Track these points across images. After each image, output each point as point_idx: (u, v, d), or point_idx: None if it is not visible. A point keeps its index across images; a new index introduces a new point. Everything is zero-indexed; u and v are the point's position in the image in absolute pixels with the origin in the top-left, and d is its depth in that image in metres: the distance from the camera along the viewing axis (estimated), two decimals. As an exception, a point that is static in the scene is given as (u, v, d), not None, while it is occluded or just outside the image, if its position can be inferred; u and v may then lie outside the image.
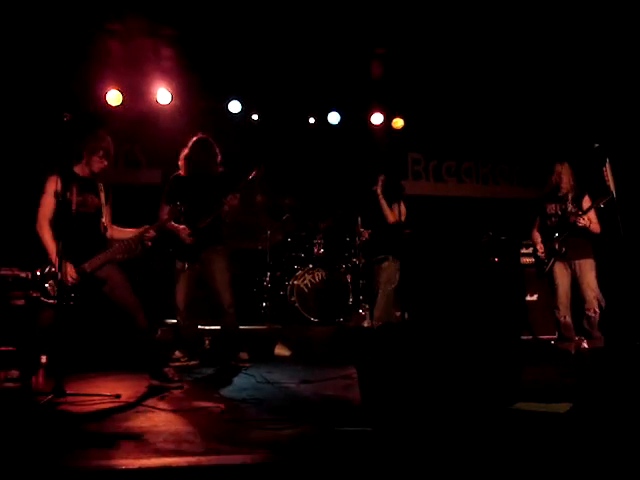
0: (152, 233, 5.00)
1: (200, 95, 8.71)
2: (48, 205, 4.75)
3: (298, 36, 7.64)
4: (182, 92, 8.46)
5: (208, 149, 6.21)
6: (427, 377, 4.05)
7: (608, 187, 5.90)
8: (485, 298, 7.82)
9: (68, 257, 4.57)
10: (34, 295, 5.87)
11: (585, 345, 6.67)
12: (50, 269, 4.70)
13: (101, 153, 4.94)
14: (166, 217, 5.27)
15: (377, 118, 9.34)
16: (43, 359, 5.40)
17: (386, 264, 6.93)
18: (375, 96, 9.14)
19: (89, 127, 5.16)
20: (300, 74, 8.35)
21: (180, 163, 6.21)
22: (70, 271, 4.60)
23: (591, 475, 2.92)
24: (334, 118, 9.25)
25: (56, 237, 4.63)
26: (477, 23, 7.32)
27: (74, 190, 4.75)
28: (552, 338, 7.36)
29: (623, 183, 6.01)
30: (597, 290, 6.34)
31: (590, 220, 6.31)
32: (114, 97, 8.13)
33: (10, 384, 4.54)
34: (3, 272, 6.24)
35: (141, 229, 5.00)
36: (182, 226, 5.85)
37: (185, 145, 6.23)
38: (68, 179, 4.72)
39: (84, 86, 7.92)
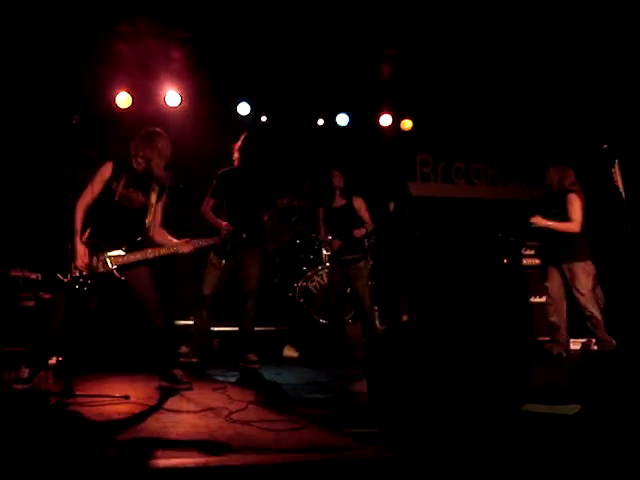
0: (188, 250, 4.93)
1: (209, 97, 8.72)
2: (90, 192, 4.67)
3: (307, 38, 7.65)
4: (191, 94, 8.48)
5: (260, 142, 6.31)
6: (435, 379, 4.05)
7: (617, 188, 5.88)
8: (494, 300, 7.79)
9: (97, 246, 4.60)
10: (45, 296, 5.95)
11: (594, 347, 6.64)
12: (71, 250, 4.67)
13: (159, 159, 4.92)
14: (214, 239, 5.21)
15: (386, 120, 9.33)
16: (53, 360, 5.42)
17: (362, 264, 6.84)
18: (384, 98, 9.13)
19: (152, 123, 5.10)
20: (309, 76, 8.35)
21: (235, 155, 6.24)
22: (82, 255, 4.55)
23: (599, 477, 2.91)
24: (343, 120, 9.24)
25: (88, 222, 4.65)
26: (485, 25, 7.31)
27: (122, 182, 4.74)
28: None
29: (633, 184, 5.98)
30: (591, 294, 6.22)
31: (548, 222, 6.25)
32: (123, 100, 8.15)
33: (20, 385, 4.55)
34: (13, 273, 6.27)
35: (178, 244, 4.93)
36: (224, 223, 5.81)
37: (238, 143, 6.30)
38: (120, 170, 4.75)
39: (93, 89, 7.94)
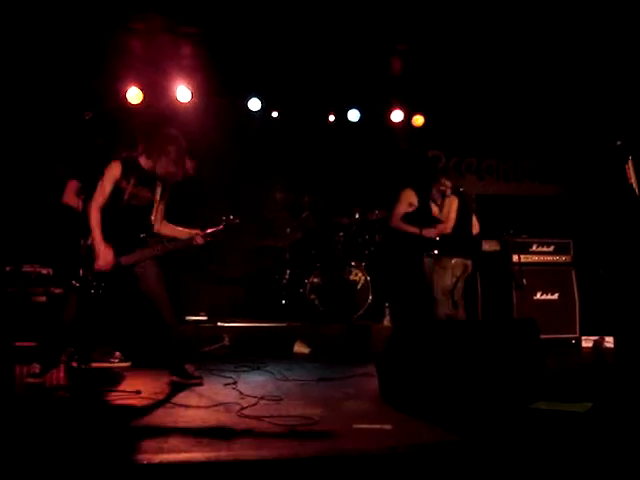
0: (201, 241, 4.94)
1: (220, 93, 8.72)
2: (102, 193, 4.68)
3: (318, 33, 7.63)
4: (202, 90, 8.48)
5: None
6: (447, 376, 4.04)
7: (631, 184, 5.83)
8: (504, 298, 7.76)
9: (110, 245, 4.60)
10: (56, 291, 5.97)
11: (606, 344, 6.61)
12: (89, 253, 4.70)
13: (179, 160, 4.91)
14: (221, 227, 5.06)
15: (397, 115, 9.29)
16: (64, 355, 5.44)
17: None
18: (395, 93, 9.10)
19: (165, 120, 5.08)
20: (320, 71, 8.33)
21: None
22: (108, 257, 4.59)
23: (610, 475, 2.90)
24: (354, 115, 9.22)
25: (103, 223, 4.63)
26: (497, 20, 7.26)
27: (132, 181, 4.76)
28: (572, 337, 7.32)
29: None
30: None
31: None
32: (134, 95, 8.16)
33: (32, 379, 4.58)
34: (25, 269, 6.30)
35: (190, 234, 4.96)
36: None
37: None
38: (129, 169, 4.75)
39: (105, 84, 7.96)
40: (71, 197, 5.75)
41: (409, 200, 6.31)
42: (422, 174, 6.53)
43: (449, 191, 6.17)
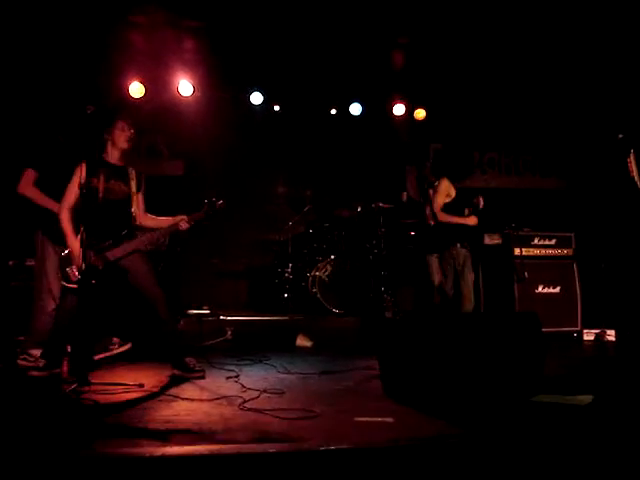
0: (186, 226, 4.93)
1: (222, 87, 8.72)
2: (72, 192, 4.74)
3: (320, 27, 7.61)
4: (204, 84, 8.48)
5: None
6: (449, 369, 4.05)
7: (632, 178, 5.83)
8: (506, 292, 7.76)
9: (90, 244, 4.59)
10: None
11: (608, 337, 6.62)
12: (67, 254, 4.74)
13: (121, 125, 4.97)
14: (204, 211, 5.03)
15: (399, 109, 9.29)
16: (68, 348, 5.46)
17: None
18: (397, 87, 9.09)
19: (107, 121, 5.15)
20: (321, 65, 8.32)
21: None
22: (79, 257, 4.54)
23: (611, 468, 2.91)
24: (356, 109, 9.22)
25: (78, 223, 4.61)
26: (499, 13, 7.25)
27: (102, 177, 4.79)
28: (574, 330, 7.32)
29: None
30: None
31: None
32: (136, 89, 8.17)
33: (36, 373, 4.60)
34: (28, 263, 6.31)
35: (174, 220, 4.96)
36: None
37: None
38: (96, 167, 4.77)
39: (107, 78, 7.96)
40: (27, 187, 5.47)
41: (447, 191, 6.50)
42: (459, 167, 6.69)
43: (481, 204, 6.57)
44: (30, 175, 5.42)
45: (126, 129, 4.98)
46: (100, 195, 4.76)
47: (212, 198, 5.01)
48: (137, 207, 5.03)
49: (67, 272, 4.73)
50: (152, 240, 4.95)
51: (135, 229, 5.00)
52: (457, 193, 6.49)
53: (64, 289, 4.79)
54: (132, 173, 5.04)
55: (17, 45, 7.25)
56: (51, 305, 5.32)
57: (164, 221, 5.04)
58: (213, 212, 4.98)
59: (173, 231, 4.99)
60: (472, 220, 6.49)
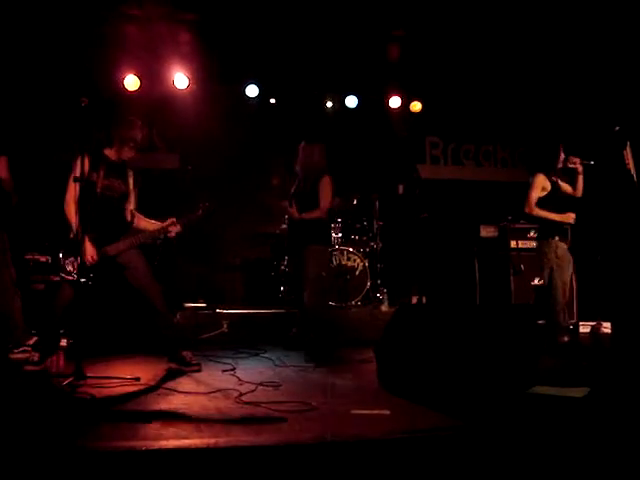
0: (177, 229, 4.93)
1: (217, 80, 8.69)
2: (71, 186, 4.70)
3: (315, 19, 7.59)
4: (199, 77, 8.46)
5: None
6: (445, 361, 4.06)
7: (629, 170, 5.84)
8: (502, 284, 7.78)
9: (91, 238, 4.60)
10: (54, 278, 5.96)
11: (604, 330, 6.63)
12: (68, 246, 4.73)
13: (132, 144, 4.96)
14: (199, 214, 5.03)
15: (395, 101, 9.29)
16: (63, 342, 5.46)
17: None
18: (393, 79, 9.08)
19: (122, 112, 5.12)
20: (317, 57, 8.30)
21: None
22: (90, 251, 4.60)
23: (607, 460, 2.91)
24: (352, 102, 9.21)
25: (79, 217, 4.59)
26: (495, 6, 7.23)
27: (101, 173, 4.77)
28: (570, 323, 7.33)
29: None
30: None
31: None
32: (132, 82, 8.14)
33: (31, 367, 4.59)
34: (25, 257, 6.31)
35: (165, 223, 4.93)
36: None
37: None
38: (96, 161, 4.74)
39: (102, 71, 7.93)
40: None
41: (542, 185, 6.36)
42: (547, 157, 6.53)
43: (580, 167, 6.27)
44: (3, 162, 5.48)
45: (133, 151, 4.99)
46: (98, 191, 4.74)
47: (205, 203, 5.03)
48: (132, 205, 5.04)
49: (66, 265, 4.71)
50: (149, 238, 4.97)
51: (131, 225, 4.99)
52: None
53: (61, 281, 4.78)
54: (130, 171, 5.03)
55: (11, 37, 7.21)
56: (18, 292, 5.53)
57: (154, 225, 5.03)
58: (205, 216, 4.99)
59: (161, 235, 5.00)
60: (568, 217, 6.24)
